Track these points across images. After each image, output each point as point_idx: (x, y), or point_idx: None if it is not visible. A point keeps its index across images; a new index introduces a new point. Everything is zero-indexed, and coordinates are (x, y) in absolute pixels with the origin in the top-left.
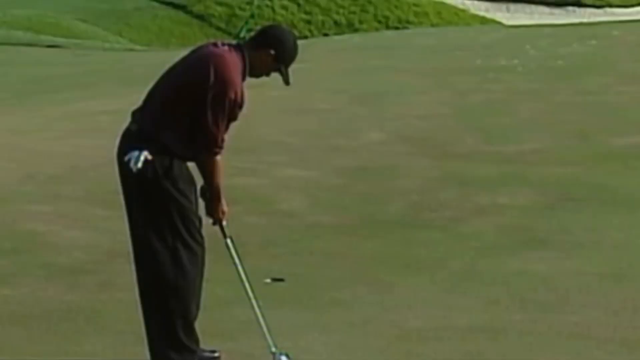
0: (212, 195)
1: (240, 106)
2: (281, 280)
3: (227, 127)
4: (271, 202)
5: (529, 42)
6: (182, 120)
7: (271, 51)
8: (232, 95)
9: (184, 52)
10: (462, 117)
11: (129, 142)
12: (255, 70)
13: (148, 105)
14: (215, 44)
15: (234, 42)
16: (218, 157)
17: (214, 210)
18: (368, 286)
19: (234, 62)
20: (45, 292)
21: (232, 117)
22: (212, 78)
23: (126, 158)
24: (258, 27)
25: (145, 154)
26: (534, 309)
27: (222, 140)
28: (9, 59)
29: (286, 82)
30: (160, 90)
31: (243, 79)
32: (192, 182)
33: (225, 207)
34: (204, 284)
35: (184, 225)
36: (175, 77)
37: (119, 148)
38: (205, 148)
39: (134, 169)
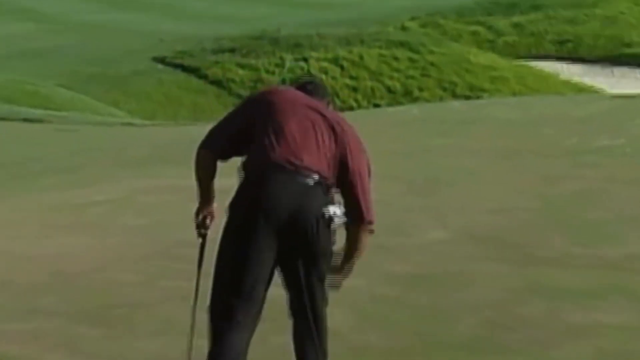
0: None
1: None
2: None
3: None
4: None
5: (639, 117)
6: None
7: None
8: None
9: (197, 127)
10: (549, 211)
11: (319, 196)
12: None
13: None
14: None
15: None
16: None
17: None
18: None
19: None
20: None
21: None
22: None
23: (329, 214)
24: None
25: (340, 209)
26: None
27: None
28: None
29: None
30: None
31: None
32: None
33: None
34: None
35: None
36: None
37: (301, 202)
38: None
39: (333, 227)
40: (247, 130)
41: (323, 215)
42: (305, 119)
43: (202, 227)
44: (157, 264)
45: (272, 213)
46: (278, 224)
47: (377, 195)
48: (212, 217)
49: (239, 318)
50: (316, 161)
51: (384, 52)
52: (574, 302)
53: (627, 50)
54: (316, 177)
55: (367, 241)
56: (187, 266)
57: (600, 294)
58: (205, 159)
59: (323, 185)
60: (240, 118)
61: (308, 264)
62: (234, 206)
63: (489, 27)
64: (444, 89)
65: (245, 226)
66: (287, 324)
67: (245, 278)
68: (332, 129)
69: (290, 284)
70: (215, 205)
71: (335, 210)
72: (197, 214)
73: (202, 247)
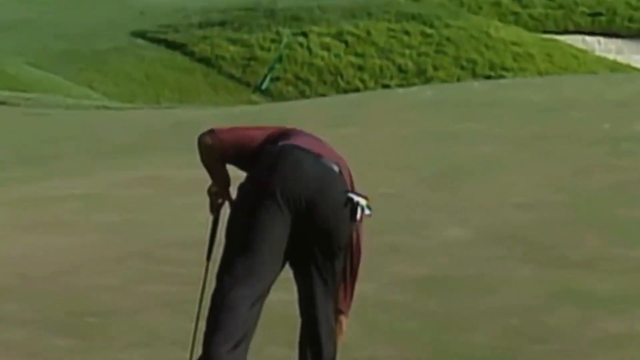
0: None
1: None
2: None
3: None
4: None
5: None
6: None
7: None
8: None
9: (182, 110)
10: (582, 207)
11: (344, 184)
12: None
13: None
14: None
15: None
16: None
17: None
18: None
19: None
20: None
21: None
22: None
23: (356, 200)
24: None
25: (365, 202)
26: None
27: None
28: None
29: None
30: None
31: None
32: None
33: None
34: None
35: None
36: None
37: (322, 184)
38: None
39: (359, 217)
40: (257, 143)
41: (349, 200)
42: (325, 146)
43: (212, 207)
44: (137, 266)
45: (288, 192)
46: (295, 207)
47: (386, 188)
48: (224, 199)
49: (245, 292)
50: (341, 167)
51: (393, 26)
52: (608, 310)
53: None
54: (339, 169)
55: (346, 323)
56: (169, 269)
57: (638, 300)
58: (208, 149)
59: (347, 182)
60: (255, 128)
61: (320, 251)
62: (244, 186)
63: None
64: (462, 68)
65: (257, 203)
66: (284, 333)
67: (255, 251)
68: (349, 174)
69: (300, 276)
70: (230, 189)
71: (360, 200)
72: (208, 191)
73: (213, 233)
